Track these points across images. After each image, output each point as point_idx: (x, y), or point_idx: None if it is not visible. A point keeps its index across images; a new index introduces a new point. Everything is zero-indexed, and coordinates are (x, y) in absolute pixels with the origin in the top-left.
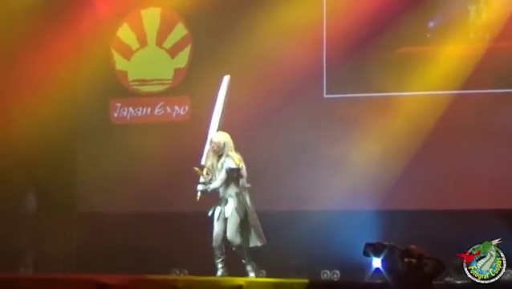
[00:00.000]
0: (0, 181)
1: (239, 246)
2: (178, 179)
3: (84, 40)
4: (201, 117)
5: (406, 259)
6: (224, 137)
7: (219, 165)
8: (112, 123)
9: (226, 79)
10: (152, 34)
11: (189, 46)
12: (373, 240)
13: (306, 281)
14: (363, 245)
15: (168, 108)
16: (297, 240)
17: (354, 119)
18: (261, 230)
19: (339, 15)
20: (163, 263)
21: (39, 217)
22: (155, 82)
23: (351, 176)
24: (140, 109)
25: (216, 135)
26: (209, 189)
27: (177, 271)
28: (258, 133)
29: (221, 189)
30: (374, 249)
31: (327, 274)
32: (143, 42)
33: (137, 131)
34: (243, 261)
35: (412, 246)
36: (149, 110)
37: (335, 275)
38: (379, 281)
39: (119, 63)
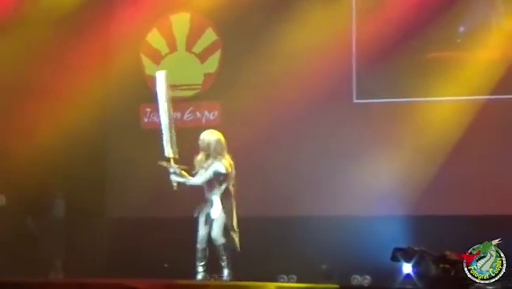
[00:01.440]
0: (31, 187)
1: (223, 247)
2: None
3: (114, 46)
4: (230, 122)
5: (441, 265)
6: (211, 136)
7: (205, 164)
8: (142, 128)
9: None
10: (181, 39)
11: (219, 51)
12: (403, 245)
13: (337, 286)
14: (392, 250)
15: (197, 113)
16: (328, 245)
17: (383, 124)
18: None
19: (369, 20)
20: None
21: (69, 223)
22: (184, 87)
23: (381, 181)
24: None
25: (204, 133)
26: (187, 183)
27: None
28: (288, 138)
29: (205, 190)
30: (404, 254)
31: (357, 280)
32: (172, 47)
33: None
34: (222, 263)
35: (448, 252)
36: (179, 115)
37: (365, 281)
38: (409, 286)
39: (149, 68)
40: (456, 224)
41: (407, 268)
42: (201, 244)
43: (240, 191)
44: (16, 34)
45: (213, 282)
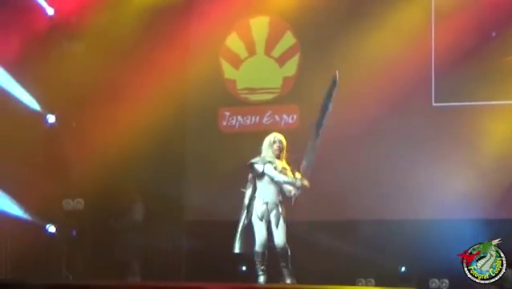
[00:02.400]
0: (109, 192)
1: (286, 252)
2: None
3: (193, 49)
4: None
5: None
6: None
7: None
8: (221, 131)
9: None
10: (260, 43)
11: (298, 54)
12: None
13: None
14: None
15: (276, 117)
16: (406, 249)
17: (462, 127)
18: None
19: (448, 23)
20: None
21: (147, 226)
22: (263, 90)
23: (460, 184)
24: (249, 118)
25: (278, 134)
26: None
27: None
28: (366, 141)
29: (272, 195)
30: None
31: (435, 284)
32: (251, 50)
33: (246, 139)
34: (284, 269)
35: None
36: (258, 118)
37: (443, 284)
38: None
39: (228, 71)
40: None
41: None
42: (262, 248)
43: (317, 194)
44: (96, 38)
45: (290, 285)
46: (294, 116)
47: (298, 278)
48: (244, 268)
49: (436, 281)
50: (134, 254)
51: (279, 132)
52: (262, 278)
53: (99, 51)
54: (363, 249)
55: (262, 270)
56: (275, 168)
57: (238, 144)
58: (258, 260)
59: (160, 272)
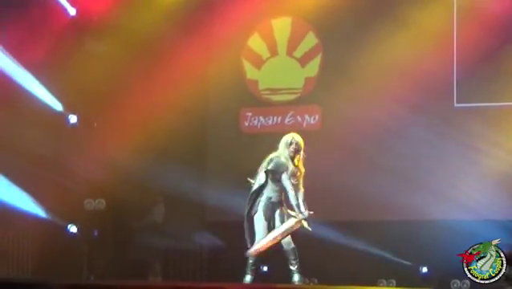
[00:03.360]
0: (131, 192)
1: (294, 251)
2: (313, 189)
3: (215, 50)
4: (331, 126)
5: None
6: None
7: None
8: (243, 132)
9: None
10: (282, 44)
11: (320, 55)
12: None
13: None
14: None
15: (298, 117)
16: (427, 249)
17: (484, 128)
18: None
19: (470, 24)
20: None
21: (169, 226)
22: (285, 91)
23: (484, 185)
24: (271, 118)
25: (296, 135)
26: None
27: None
28: (388, 141)
29: (278, 194)
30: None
31: (457, 284)
32: (273, 51)
33: (268, 140)
34: (292, 267)
35: None
36: (280, 119)
37: (464, 285)
38: None
39: (250, 72)
40: None
41: None
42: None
43: (340, 195)
44: (118, 38)
45: (312, 286)
46: (316, 117)
47: (320, 279)
48: (265, 268)
49: (458, 282)
50: (155, 254)
51: (301, 132)
52: (248, 278)
53: (121, 51)
54: (384, 249)
55: (252, 270)
56: (288, 173)
57: (260, 145)
58: (251, 259)
59: (182, 272)
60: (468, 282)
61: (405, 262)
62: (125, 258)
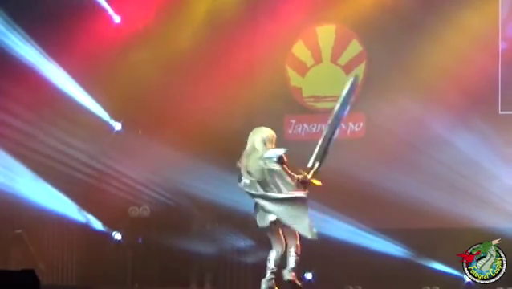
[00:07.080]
0: (175, 199)
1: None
2: (359, 196)
3: (260, 57)
4: (375, 133)
5: None
6: None
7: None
8: (287, 139)
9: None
10: (327, 51)
11: (364, 62)
12: None
13: None
14: None
15: (342, 125)
16: None
17: None
18: None
19: None
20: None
21: (212, 234)
22: (329, 98)
23: None
24: (315, 126)
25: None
26: None
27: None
28: (432, 149)
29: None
30: None
31: None
32: (318, 58)
33: (311, 148)
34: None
35: None
36: (323, 127)
37: None
38: None
39: (294, 79)
40: None
41: None
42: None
43: (384, 202)
44: (162, 46)
45: None
46: (360, 124)
47: (364, 286)
48: (309, 276)
49: None
50: (200, 262)
51: (345, 140)
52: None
53: (165, 59)
54: (427, 257)
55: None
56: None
57: (304, 153)
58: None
59: (225, 280)
60: None
61: (449, 270)
62: (169, 266)
